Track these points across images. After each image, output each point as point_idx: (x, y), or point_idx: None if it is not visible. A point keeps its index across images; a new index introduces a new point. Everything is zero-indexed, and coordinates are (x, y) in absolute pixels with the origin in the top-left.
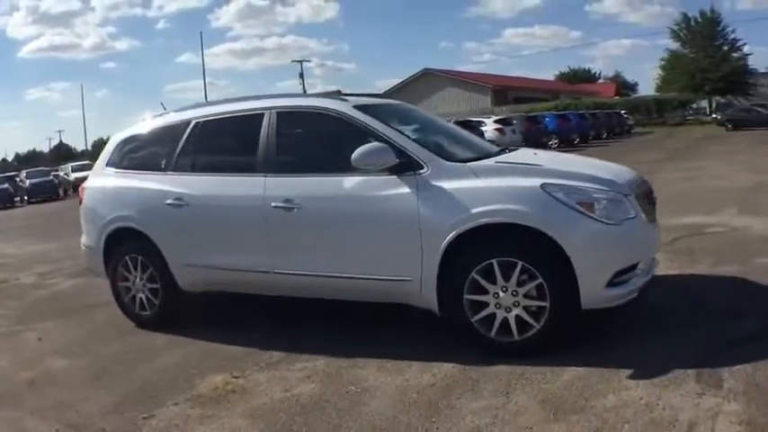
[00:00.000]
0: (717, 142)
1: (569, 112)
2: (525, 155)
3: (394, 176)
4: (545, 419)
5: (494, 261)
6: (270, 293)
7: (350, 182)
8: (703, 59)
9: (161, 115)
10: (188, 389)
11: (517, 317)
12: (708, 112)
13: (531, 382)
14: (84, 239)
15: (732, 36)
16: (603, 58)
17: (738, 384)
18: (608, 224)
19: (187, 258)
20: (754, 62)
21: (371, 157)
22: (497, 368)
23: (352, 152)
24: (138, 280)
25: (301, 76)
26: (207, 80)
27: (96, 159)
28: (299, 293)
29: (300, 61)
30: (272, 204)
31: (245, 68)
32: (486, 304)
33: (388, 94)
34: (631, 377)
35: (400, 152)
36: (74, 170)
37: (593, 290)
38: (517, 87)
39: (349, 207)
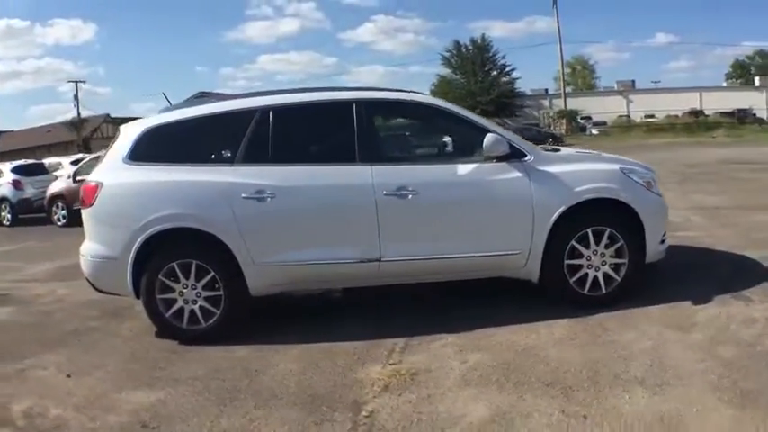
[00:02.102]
0: None
1: None
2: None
3: (503, 163)
4: (682, 334)
5: (589, 230)
6: (373, 283)
7: (464, 168)
8: (474, 84)
9: (195, 104)
10: (361, 383)
11: (604, 274)
12: None
13: (639, 318)
14: (95, 249)
15: (502, 62)
16: (357, 85)
17: (762, 296)
18: (659, 197)
19: (271, 256)
20: (522, 85)
21: (497, 146)
22: (600, 315)
23: (454, 141)
24: (189, 289)
25: (76, 97)
26: None
27: None
28: (407, 279)
29: (76, 82)
30: (384, 192)
31: (3, 92)
32: (580, 266)
33: None
34: (695, 304)
35: (508, 143)
36: None
37: (653, 247)
38: None
39: (466, 191)
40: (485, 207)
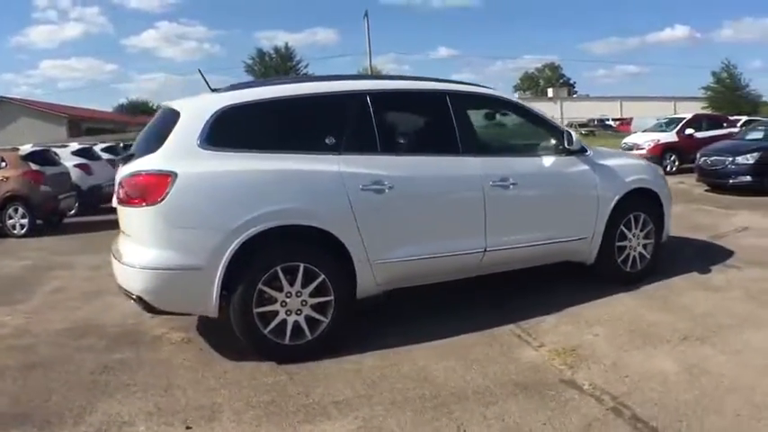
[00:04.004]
0: None
1: None
2: None
3: (573, 157)
4: (722, 294)
5: (631, 216)
6: (471, 275)
7: (548, 161)
8: None
9: (274, 83)
10: (539, 367)
11: (640, 254)
12: None
13: (675, 287)
14: (163, 257)
15: (305, 71)
16: (138, 92)
17: (744, 264)
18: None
19: (388, 252)
20: None
21: (578, 141)
22: (645, 288)
23: (531, 136)
24: (293, 298)
25: None
26: None
27: None
28: (501, 268)
29: None
30: (491, 183)
31: None
32: (625, 248)
33: None
34: (702, 274)
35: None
36: None
37: (667, 229)
38: (89, 118)
39: (554, 181)
40: (567, 196)
